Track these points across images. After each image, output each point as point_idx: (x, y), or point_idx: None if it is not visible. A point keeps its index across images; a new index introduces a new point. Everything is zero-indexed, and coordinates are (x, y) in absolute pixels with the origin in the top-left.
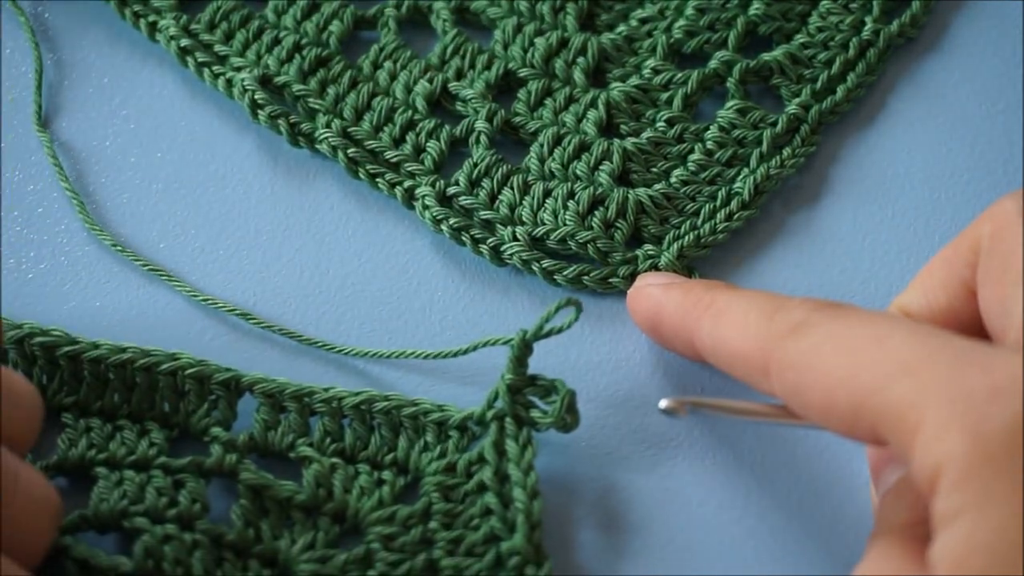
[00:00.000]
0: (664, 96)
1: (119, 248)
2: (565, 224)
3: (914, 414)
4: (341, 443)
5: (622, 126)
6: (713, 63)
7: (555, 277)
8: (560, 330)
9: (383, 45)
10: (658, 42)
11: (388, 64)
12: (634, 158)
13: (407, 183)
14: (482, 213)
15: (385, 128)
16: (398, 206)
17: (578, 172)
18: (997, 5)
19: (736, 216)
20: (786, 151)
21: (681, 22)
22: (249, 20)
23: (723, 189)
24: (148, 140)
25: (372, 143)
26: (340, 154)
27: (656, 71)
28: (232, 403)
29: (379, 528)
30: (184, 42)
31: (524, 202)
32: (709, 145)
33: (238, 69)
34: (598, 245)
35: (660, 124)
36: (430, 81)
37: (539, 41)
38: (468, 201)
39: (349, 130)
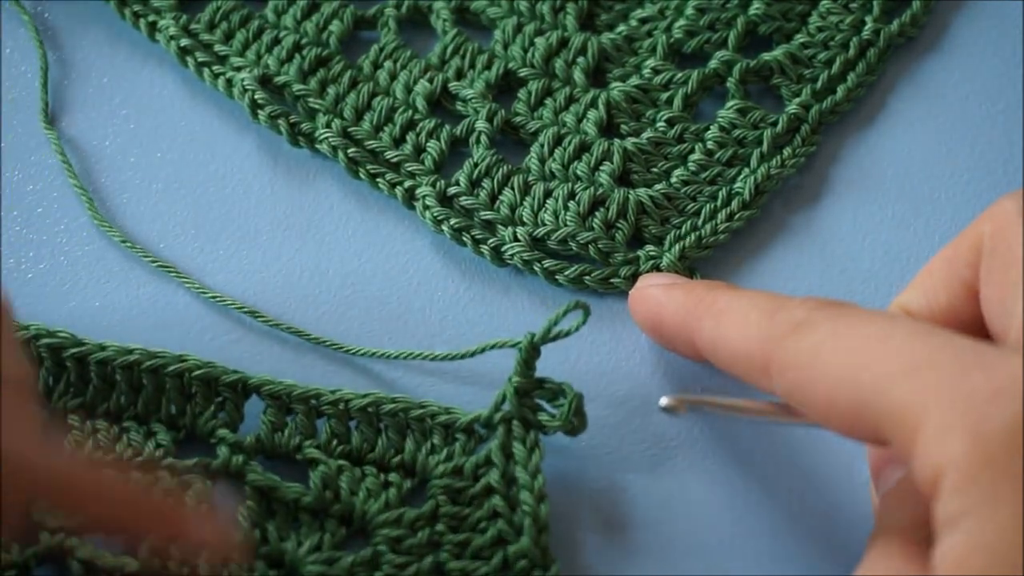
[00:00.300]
0: (664, 96)
1: (128, 244)
2: (566, 225)
3: (915, 416)
4: (348, 445)
5: (622, 126)
6: (713, 63)
7: (557, 277)
8: (568, 333)
9: (383, 45)
10: (658, 42)
11: (388, 64)
12: (634, 158)
13: (407, 183)
14: (483, 213)
15: (385, 128)
16: (398, 206)
17: (579, 172)
18: (997, 5)
19: (737, 216)
20: (786, 151)
21: (681, 22)
22: (249, 20)
23: (724, 189)
24: (148, 140)
25: (372, 143)
26: (340, 154)
27: (656, 71)
28: (239, 405)
29: (386, 530)
30: (184, 42)
31: (525, 202)
32: (709, 145)
33: (238, 69)
34: (599, 246)
35: (660, 124)
36: (430, 81)
37: (539, 41)
38: (469, 201)
39: (349, 130)
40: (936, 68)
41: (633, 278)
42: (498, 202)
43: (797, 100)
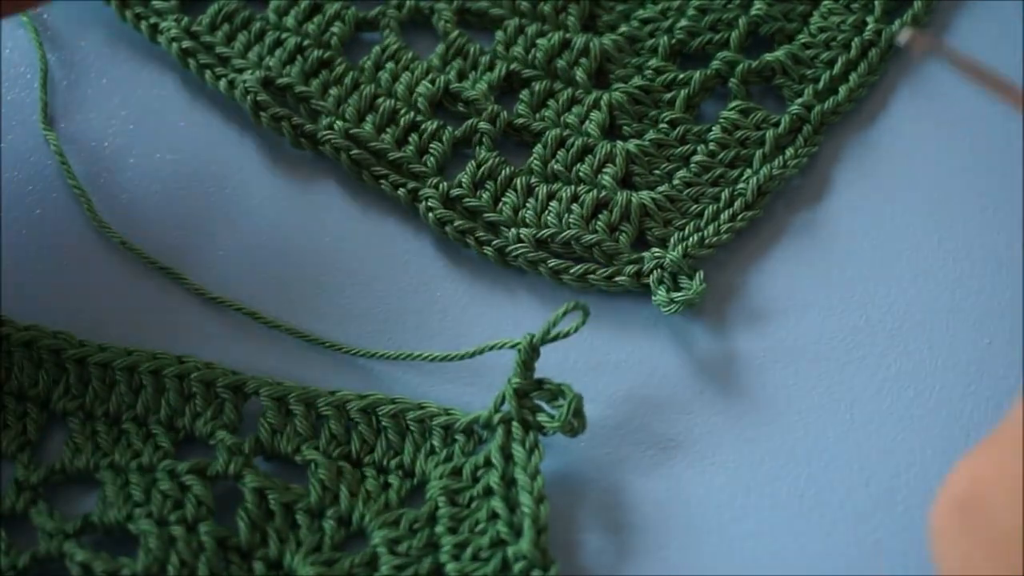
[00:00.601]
0: (666, 97)
1: (128, 245)
2: (570, 227)
3: None
4: (347, 447)
5: (624, 127)
6: (715, 64)
7: (561, 277)
8: (567, 334)
9: (385, 46)
10: (660, 43)
11: (390, 65)
12: (637, 160)
13: (410, 184)
14: (487, 215)
15: (388, 129)
16: (399, 207)
17: (582, 174)
18: (997, 5)
19: (740, 216)
20: (789, 151)
21: (683, 23)
22: (251, 22)
23: (727, 190)
24: (148, 141)
25: (375, 144)
26: (343, 156)
27: (658, 72)
28: (238, 406)
29: (385, 532)
30: (186, 44)
31: (528, 204)
32: (712, 146)
33: (240, 71)
34: (603, 248)
35: (663, 125)
36: (432, 82)
37: (541, 42)
38: (472, 203)
39: (352, 131)
40: (936, 68)
41: (637, 276)
42: (501, 204)
43: (799, 100)
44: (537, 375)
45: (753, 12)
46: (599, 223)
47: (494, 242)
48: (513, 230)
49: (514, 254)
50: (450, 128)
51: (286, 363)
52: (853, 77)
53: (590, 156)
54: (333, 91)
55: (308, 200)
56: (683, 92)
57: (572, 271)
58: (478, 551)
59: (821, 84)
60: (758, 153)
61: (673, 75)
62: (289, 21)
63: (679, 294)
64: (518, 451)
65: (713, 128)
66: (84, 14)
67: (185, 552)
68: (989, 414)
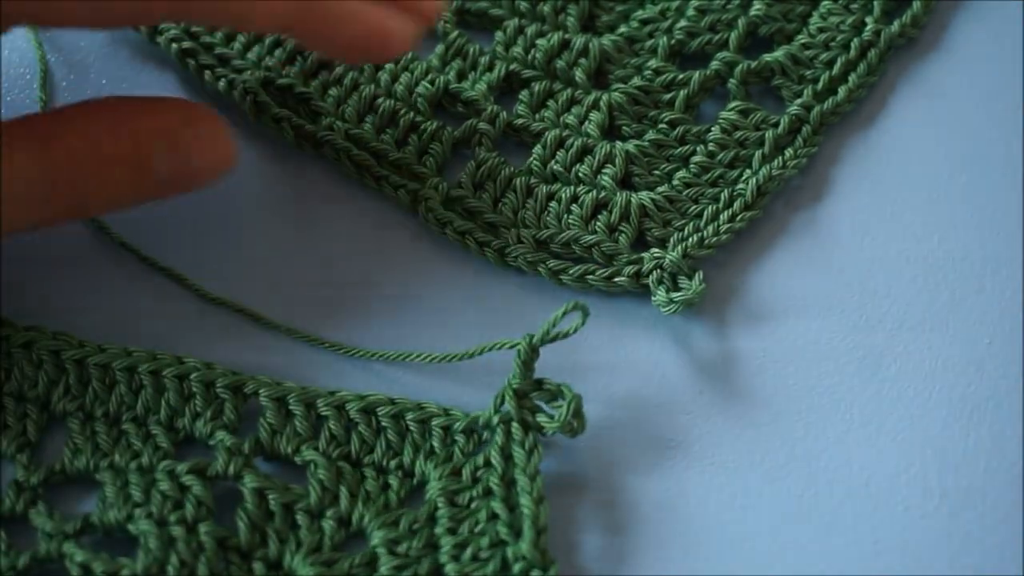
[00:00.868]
0: (666, 97)
1: (127, 245)
2: (569, 228)
3: None
4: (347, 447)
5: (624, 128)
6: (714, 64)
7: (561, 277)
8: (567, 334)
9: None
10: (659, 43)
11: (390, 66)
12: (636, 161)
13: (410, 185)
14: (487, 216)
15: (388, 130)
16: (399, 207)
17: (581, 175)
18: (997, 5)
19: (739, 217)
20: (788, 152)
21: (682, 23)
22: None
23: (726, 190)
24: None
25: (375, 145)
26: (343, 156)
27: (658, 72)
28: (238, 407)
29: (384, 532)
30: (185, 44)
31: (527, 205)
32: (711, 147)
33: (239, 71)
34: (603, 249)
35: (662, 126)
36: (432, 83)
37: (541, 42)
38: (472, 204)
39: (351, 132)
40: (936, 68)
41: (637, 277)
42: (501, 204)
43: (798, 101)
44: (537, 375)
45: (752, 13)
46: (599, 224)
47: (494, 243)
48: (513, 231)
49: (514, 255)
50: (450, 128)
51: (286, 363)
52: (852, 78)
53: (589, 157)
54: (333, 92)
55: (307, 200)
56: (682, 93)
57: (571, 272)
58: (478, 552)
59: (820, 85)
60: (757, 154)
61: (672, 76)
62: None
63: (679, 294)
64: (518, 452)
65: (712, 129)
66: None
67: (185, 552)
68: (989, 414)
